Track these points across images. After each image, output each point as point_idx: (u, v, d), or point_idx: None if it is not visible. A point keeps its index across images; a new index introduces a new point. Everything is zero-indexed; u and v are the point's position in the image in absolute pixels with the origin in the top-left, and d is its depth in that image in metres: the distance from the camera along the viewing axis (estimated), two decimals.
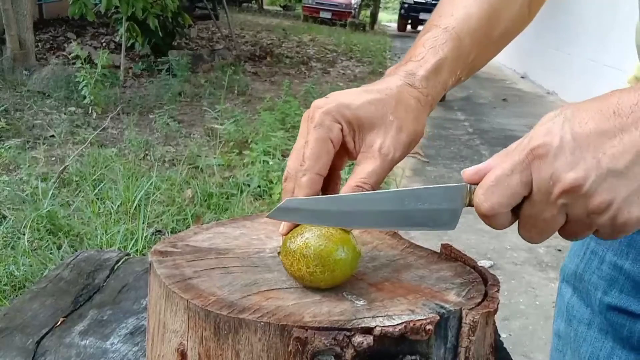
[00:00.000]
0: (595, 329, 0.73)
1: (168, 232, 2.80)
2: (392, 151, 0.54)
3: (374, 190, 0.53)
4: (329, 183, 0.57)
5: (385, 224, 0.52)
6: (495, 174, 0.46)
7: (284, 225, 0.54)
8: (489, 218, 0.47)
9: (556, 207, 0.45)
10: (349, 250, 0.51)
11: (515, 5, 0.66)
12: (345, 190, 0.53)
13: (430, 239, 3.06)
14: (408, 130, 0.55)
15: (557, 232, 0.48)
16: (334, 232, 0.51)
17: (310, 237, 0.51)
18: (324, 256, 0.50)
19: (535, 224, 0.47)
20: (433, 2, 18.69)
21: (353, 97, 0.55)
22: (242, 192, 3.36)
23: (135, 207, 2.91)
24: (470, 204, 0.49)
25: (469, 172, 0.49)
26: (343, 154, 0.57)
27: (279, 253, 0.56)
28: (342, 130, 0.54)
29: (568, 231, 0.47)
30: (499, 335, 0.62)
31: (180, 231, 0.78)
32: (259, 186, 3.42)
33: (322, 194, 0.56)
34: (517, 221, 0.48)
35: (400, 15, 20.49)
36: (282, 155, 3.90)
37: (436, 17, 0.63)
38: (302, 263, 0.51)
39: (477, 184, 0.48)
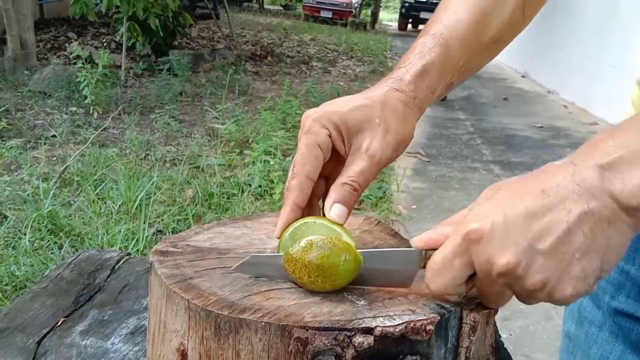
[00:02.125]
0: (606, 331, 0.73)
1: (169, 232, 2.80)
2: (380, 152, 0.56)
3: (361, 188, 0.56)
4: (317, 192, 0.60)
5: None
6: (439, 257, 0.48)
7: (278, 230, 0.57)
8: (442, 294, 0.51)
9: (499, 285, 0.47)
10: (351, 259, 0.51)
11: (507, 10, 0.66)
12: (333, 187, 0.55)
13: None
14: (395, 132, 0.57)
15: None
16: (337, 241, 0.51)
17: (313, 245, 0.51)
18: (327, 267, 0.50)
19: (487, 297, 0.50)
20: (433, 1, 18.71)
21: (341, 104, 0.58)
22: (243, 191, 3.36)
23: (137, 207, 2.91)
24: (424, 267, 0.51)
25: (417, 239, 0.52)
26: (336, 165, 0.58)
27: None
28: (330, 135, 0.56)
29: (519, 299, 0.49)
30: (500, 335, 0.62)
31: (181, 231, 0.78)
32: (259, 186, 3.42)
33: (309, 203, 0.58)
34: None
35: (400, 14, 20.48)
36: (282, 155, 3.91)
37: (429, 23, 0.66)
38: (303, 272, 0.51)
39: (428, 249, 0.51)
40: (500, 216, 0.45)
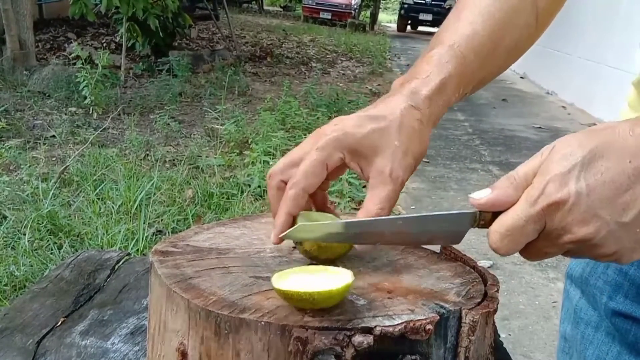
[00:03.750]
0: (602, 332, 0.73)
1: (169, 232, 2.80)
2: (401, 174, 0.56)
3: (389, 213, 0.56)
4: (318, 199, 0.62)
5: (396, 242, 0.58)
6: (510, 222, 0.48)
7: (276, 238, 0.57)
8: (505, 256, 0.51)
9: (562, 249, 0.48)
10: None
11: (521, 20, 0.66)
12: (365, 214, 0.55)
13: None
14: (414, 153, 0.57)
15: None
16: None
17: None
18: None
19: (538, 254, 0.50)
20: (433, 2, 18.71)
21: (358, 126, 0.57)
22: (242, 192, 3.36)
23: (136, 207, 2.91)
24: (477, 226, 0.52)
25: (480, 202, 0.50)
26: (333, 177, 0.59)
27: (293, 247, 0.60)
28: (343, 159, 0.56)
29: (567, 255, 0.50)
30: (499, 335, 0.62)
31: (180, 231, 0.78)
32: (259, 186, 3.42)
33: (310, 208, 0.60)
34: None
35: (400, 15, 20.48)
36: (282, 156, 3.90)
37: (442, 32, 0.64)
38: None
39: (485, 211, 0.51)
40: (583, 186, 0.45)
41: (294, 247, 0.61)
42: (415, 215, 0.53)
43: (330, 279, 0.49)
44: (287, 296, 0.48)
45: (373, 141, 0.56)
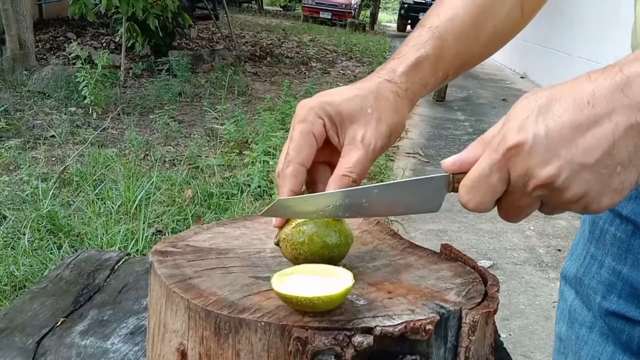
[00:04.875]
0: (596, 332, 0.73)
1: (168, 232, 2.80)
2: (374, 141, 0.57)
3: (360, 178, 0.56)
4: (320, 173, 0.60)
5: (374, 213, 0.56)
6: (475, 174, 0.48)
7: (276, 220, 0.58)
8: (475, 211, 0.50)
9: (532, 198, 0.47)
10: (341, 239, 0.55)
11: (505, 6, 0.66)
12: (332, 179, 0.56)
13: (430, 239, 3.06)
14: (387, 121, 0.58)
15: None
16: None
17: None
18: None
19: (512, 210, 0.49)
20: (433, 2, 18.66)
21: (335, 95, 0.59)
22: (242, 192, 3.36)
23: (136, 207, 2.91)
24: (454, 190, 0.52)
25: (448, 163, 0.52)
26: (334, 151, 0.59)
27: (276, 243, 0.57)
28: (324, 125, 0.57)
29: (543, 211, 0.49)
30: (499, 335, 0.62)
31: (180, 231, 0.78)
32: (259, 186, 3.42)
33: (314, 189, 0.59)
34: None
35: (400, 15, 20.48)
36: None
37: (425, 17, 0.66)
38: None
39: (458, 173, 0.51)
40: (542, 128, 0.44)
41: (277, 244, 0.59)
42: (390, 182, 0.54)
43: (330, 282, 0.49)
44: (286, 299, 0.48)
45: (349, 108, 0.57)
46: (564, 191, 0.45)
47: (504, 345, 0.72)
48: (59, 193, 3.08)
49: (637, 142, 0.43)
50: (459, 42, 0.63)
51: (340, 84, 7.51)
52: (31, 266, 2.32)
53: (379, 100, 0.58)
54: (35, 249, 2.47)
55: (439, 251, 0.65)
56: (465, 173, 0.50)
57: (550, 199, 0.46)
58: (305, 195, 0.56)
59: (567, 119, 0.44)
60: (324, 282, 0.49)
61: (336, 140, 0.58)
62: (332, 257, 0.56)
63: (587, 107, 0.44)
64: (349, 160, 0.56)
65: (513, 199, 0.48)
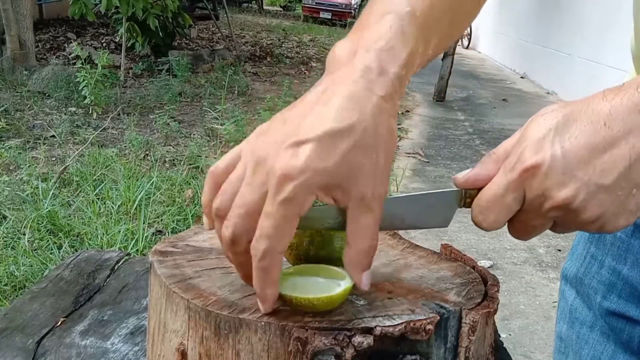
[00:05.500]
0: (597, 332, 0.73)
1: (168, 232, 2.80)
2: (383, 191, 0.47)
3: (377, 240, 0.48)
4: None
5: (381, 228, 0.49)
6: (490, 193, 0.47)
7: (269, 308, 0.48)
8: (488, 230, 0.50)
9: (546, 218, 0.47)
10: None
11: None
12: (355, 254, 0.47)
13: (430, 239, 3.06)
14: (389, 159, 0.47)
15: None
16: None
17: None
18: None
19: (525, 228, 0.49)
20: None
21: (326, 154, 0.43)
22: None
23: (136, 207, 2.91)
24: (464, 206, 0.51)
25: (461, 179, 0.50)
26: None
27: None
28: (315, 198, 0.45)
29: (555, 230, 0.49)
30: (499, 335, 0.62)
31: (180, 231, 0.78)
32: None
33: None
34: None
35: None
36: None
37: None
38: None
39: (469, 189, 0.50)
40: (558, 149, 0.44)
41: None
42: (400, 195, 0.53)
43: (330, 282, 0.49)
44: (286, 300, 0.48)
45: (347, 168, 0.44)
46: (580, 213, 0.45)
47: (504, 345, 0.73)
48: (59, 193, 3.08)
49: None
50: (438, 30, 0.53)
51: None
52: (31, 266, 2.32)
53: (382, 139, 0.45)
54: (35, 249, 2.47)
55: (439, 251, 0.65)
56: (476, 189, 0.49)
57: (566, 220, 0.46)
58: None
59: (584, 140, 0.44)
60: (323, 282, 0.49)
61: (331, 202, 0.46)
62: (332, 258, 0.56)
63: (603, 129, 0.44)
64: (365, 227, 0.46)
65: (527, 218, 0.47)
